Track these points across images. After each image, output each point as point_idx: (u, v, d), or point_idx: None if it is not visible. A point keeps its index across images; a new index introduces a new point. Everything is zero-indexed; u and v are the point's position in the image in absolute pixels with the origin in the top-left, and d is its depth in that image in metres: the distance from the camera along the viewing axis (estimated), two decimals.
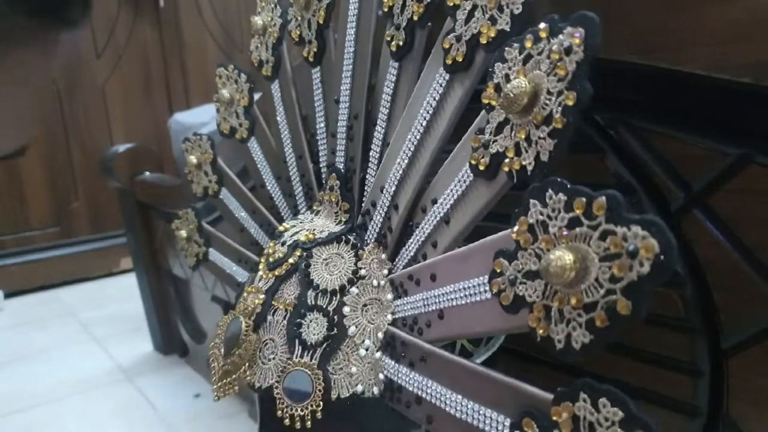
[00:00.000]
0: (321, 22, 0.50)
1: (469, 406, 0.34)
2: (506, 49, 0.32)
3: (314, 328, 0.43)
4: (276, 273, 0.46)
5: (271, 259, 0.48)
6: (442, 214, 0.38)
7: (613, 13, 0.36)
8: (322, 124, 0.52)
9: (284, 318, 0.44)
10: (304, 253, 0.46)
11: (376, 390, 0.41)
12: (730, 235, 0.35)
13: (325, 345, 0.42)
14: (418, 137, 0.40)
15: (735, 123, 0.35)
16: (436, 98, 0.38)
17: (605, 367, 0.41)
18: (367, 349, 0.42)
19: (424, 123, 0.39)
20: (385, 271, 0.43)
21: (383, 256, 0.44)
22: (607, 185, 0.27)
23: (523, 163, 0.31)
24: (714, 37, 0.33)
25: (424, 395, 0.37)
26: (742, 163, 0.34)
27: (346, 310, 0.43)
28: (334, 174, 0.49)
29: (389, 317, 0.42)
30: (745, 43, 0.32)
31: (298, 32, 0.52)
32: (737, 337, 0.36)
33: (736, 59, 0.33)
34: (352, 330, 0.42)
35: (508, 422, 0.32)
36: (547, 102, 0.29)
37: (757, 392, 0.36)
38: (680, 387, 0.39)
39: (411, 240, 0.41)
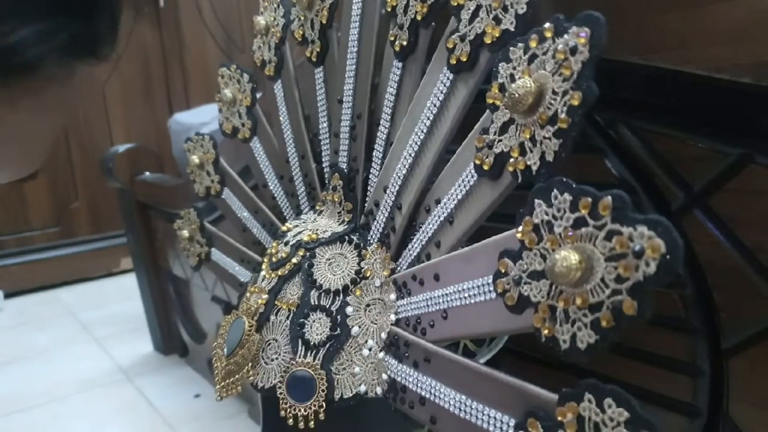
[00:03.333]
0: (324, 21, 0.50)
1: (473, 407, 0.34)
2: (511, 48, 0.32)
3: (317, 328, 0.43)
4: (279, 273, 0.46)
5: (274, 259, 0.48)
6: (445, 214, 0.38)
7: (613, 13, 0.36)
8: (325, 124, 0.52)
9: (287, 318, 0.44)
10: (307, 253, 0.46)
11: (379, 390, 0.41)
12: (730, 235, 0.35)
13: (328, 345, 0.42)
14: (421, 137, 0.40)
15: (735, 123, 0.35)
16: (440, 98, 0.38)
17: (605, 368, 0.41)
18: (370, 350, 0.42)
19: (428, 123, 0.39)
20: (389, 271, 0.43)
21: (386, 256, 0.44)
22: (606, 185, 0.27)
23: (528, 163, 0.31)
24: (714, 37, 0.34)
25: (427, 395, 0.38)
26: (742, 163, 0.34)
27: (349, 310, 0.43)
28: (337, 174, 0.49)
29: (392, 317, 0.42)
30: (745, 43, 0.32)
31: (301, 32, 0.52)
32: (737, 337, 0.36)
33: (736, 59, 0.33)
34: (355, 330, 0.42)
35: (512, 422, 0.32)
36: (552, 102, 0.29)
37: (757, 392, 0.36)
38: (680, 387, 0.39)
39: (414, 240, 0.41)
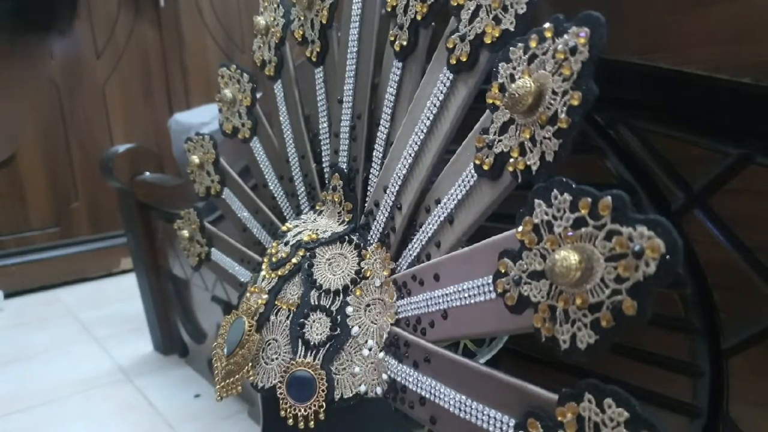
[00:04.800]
0: (324, 21, 0.50)
1: (474, 407, 0.34)
2: (511, 48, 0.32)
3: (317, 328, 0.43)
4: (279, 273, 0.46)
5: (274, 259, 0.48)
6: (445, 214, 0.38)
7: (613, 13, 0.37)
8: (325, 124, 0.52)
9: (287, 318, 0.44)
10: (307, 253, 0.46)
11: (379, 390, 0.41)
12: (730, 235, 0.35)
13: (328, 345, 0.42)
14: (421, 137, 0.40)
15: (735, 123, 0.35)
16: (440, 98, 0.38)
17: (605, 368, 0.41)
18: (370, 350, 0.42)
19: (428, 123, 0.39)
20: (389, 271, 0.43)
21: (386, 256, 0.44)
22: (606, 185, 0.27)
23: (528, 163, 0.31)
24: (714, 37, 0.34)
25: (428, 395, 0.38)
26: (742, 163, 0.34)
27: (349, 310, 0.43)
28: (337, 174, 0.49)
29: (393, 317, 0.42)
30: (745, 43, 0.32)
31: (301, 32, 0.52)
32: (737, 337, 0.36)
33: (736, 59, 0.33)
34: (355, 330, 0.42)
35: (512, 423, 0.32)
36: (552, 102, 0.29)
37: (757, 392, 0.36)
38: (680, 387, 0.39)
39: (414, 240, 0.41)
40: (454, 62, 0.37)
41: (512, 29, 0.33)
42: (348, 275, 0.44)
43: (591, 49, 0.27)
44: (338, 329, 0.42)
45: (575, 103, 0.28)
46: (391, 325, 0.42)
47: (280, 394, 0.42)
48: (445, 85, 0.38)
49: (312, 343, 0.42)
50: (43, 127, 1.68)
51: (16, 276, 1.63)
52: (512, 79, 0.32)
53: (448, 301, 0.37)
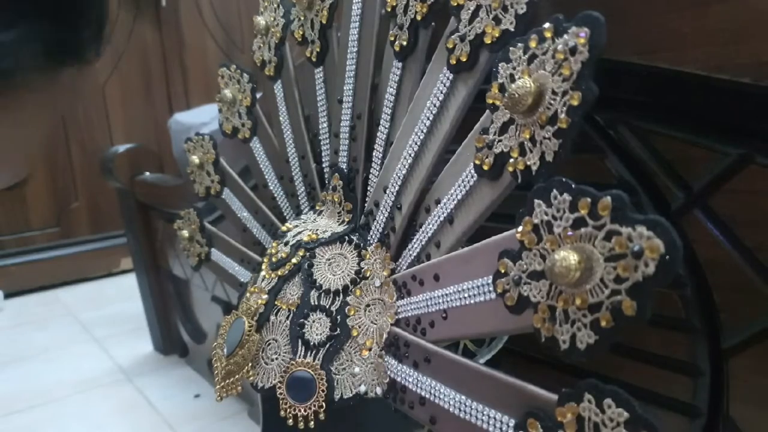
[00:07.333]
0: (324, 21, 0.50)
1: (473, 407, 0.34)
2: (510, 49, 0.32)
3: (317, 329, 0.43)
4: (279, 273, 0.46)
5: (274, 259, 0.48)
6: (445, 214, 0.38)
7: (613, 13, 0.36)
8: (325, 124, 0.52)
9: (287, 318, 0.44)
10: (307, 254, 0.46)
11: (379, 390, 0.41)
12: (730, 235, 0.35)
13: (328, 345, 0.42)
14: (421, 137, 0.40)
15: (735, 123, 0.35)
16: (440, 98, 0.38)
17: (604, 367, 0.41)
18: (370, 350, 0.42)
19: (428, 123, 0.39)
20: (388, 272, 0.43)
21: (386, 256, 0.44)
22: (606, 185, 0.27)
23: (528, 163, 0.31)
24: (714, 37, 0.34)
25: (427, 396, 0.38)
26: (742, 163, 0.34)
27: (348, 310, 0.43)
28: (337, 174, 0.49)
29: (392, 317, 0.42)
30: (745, 43, 0.32)
31: (301, 32, 0.52)
32: (737, 337, 0.36)
33: (736, 59, 0.33)
34: (355, 330, 0.42)
35: (512, 423, 0.32)
36: (552, 102, 0.29)
37: (757, 392, 0.36)
38: (680, 387, 0.39)
39: (414, 240, 0.41)
40: (454, 62, 0.37)
41: (512, 29, 0.33)
42: (348, 275, 0.44)
43: (591, 49, 0.27)
44: (338, 329, 0.42)
45: (575, 103, 0.28)
46: (391, 325, 0.42)
47: (280, 394, 0.42)
48: (445, 85, 0.38)
49: (312, 343, 0.42)
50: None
51: (16, 276, 1.63)
52: (512, 79, 0.32)
53: (448, 302, 0.37)
